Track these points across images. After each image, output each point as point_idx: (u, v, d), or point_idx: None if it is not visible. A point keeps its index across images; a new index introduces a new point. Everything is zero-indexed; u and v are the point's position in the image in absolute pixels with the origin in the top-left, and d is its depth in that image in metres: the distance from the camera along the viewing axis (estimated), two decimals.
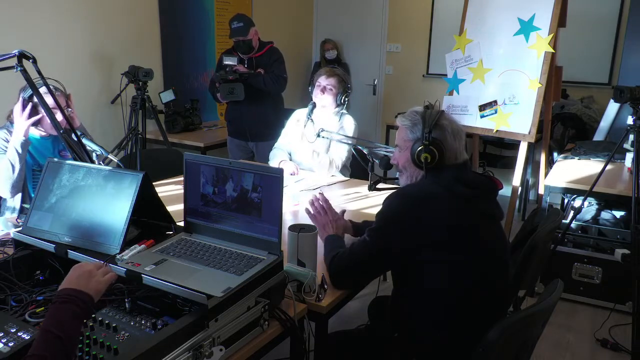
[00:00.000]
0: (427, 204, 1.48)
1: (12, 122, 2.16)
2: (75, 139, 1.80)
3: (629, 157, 3.21)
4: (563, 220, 3.06)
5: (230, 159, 3.91)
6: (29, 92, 2.06)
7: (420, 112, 1.60)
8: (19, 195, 2.21)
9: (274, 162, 3.04)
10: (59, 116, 1.97)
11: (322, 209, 1.91)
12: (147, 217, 1.51)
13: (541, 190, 3.36)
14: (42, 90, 1.82)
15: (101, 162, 2.17)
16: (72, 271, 1.11)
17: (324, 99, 2.93)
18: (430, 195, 1.50)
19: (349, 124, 2.97)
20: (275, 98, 3.77)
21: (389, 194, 1.57)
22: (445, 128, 1.55)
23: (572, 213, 3.12)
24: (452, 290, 1.49)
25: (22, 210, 2.20)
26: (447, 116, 1.60)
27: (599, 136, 4.22)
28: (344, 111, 3.03)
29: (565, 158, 3.68)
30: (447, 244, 1.46)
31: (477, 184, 1.54)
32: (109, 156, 2.18)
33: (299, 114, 3.11)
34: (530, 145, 3.48)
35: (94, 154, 2.12)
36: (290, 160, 3.05)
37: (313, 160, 3.01)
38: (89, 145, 2.09)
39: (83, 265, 1.14)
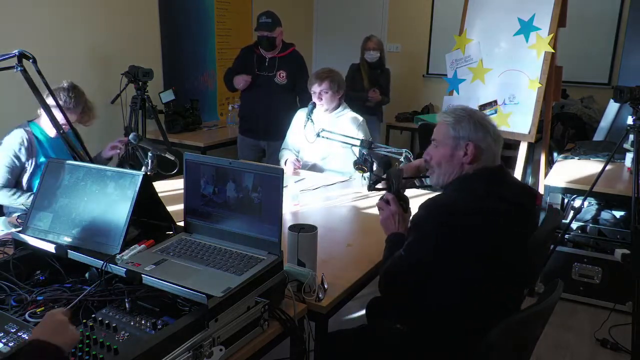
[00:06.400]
0: (461, 219, 1.48)
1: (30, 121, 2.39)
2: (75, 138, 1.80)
3: (629, 157, 3.20)
4: (563, 220, 3.06)
5: (239, 157, 3.91)
6: None
7: (467, 110, 1.62)
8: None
9: (282, 161, 3.06)
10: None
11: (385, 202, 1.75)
12: (147, 217, 1.51)
13: (541, 190, 3.35)
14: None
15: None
16: (47, 319, 1.02)
17: (323, 104, 2.96)
18: (464, 210, 1.50)
19: (345, 125, 2.96)
20: (289, 98, 3.76)
21: (425, 200, 1.55)
22: (488, 129, 1.57)
23: (572, 213, 3.11)
24: (457, 292, 1.50)
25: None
26: (489, 119, 1.63)
27: (599, 136, 4.21)
28: (343, 111, 3.03)
29: (565, 158, 3.68)
30: (471, 256, 1.47)
31: (511, 198, 1.54)
32: None
33: (302, 114, 3.12)
34: (530, 145, 3.48)
35: None
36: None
37: (323, 161, 3.02)
38: None
39: (56, 314, 1.03)
